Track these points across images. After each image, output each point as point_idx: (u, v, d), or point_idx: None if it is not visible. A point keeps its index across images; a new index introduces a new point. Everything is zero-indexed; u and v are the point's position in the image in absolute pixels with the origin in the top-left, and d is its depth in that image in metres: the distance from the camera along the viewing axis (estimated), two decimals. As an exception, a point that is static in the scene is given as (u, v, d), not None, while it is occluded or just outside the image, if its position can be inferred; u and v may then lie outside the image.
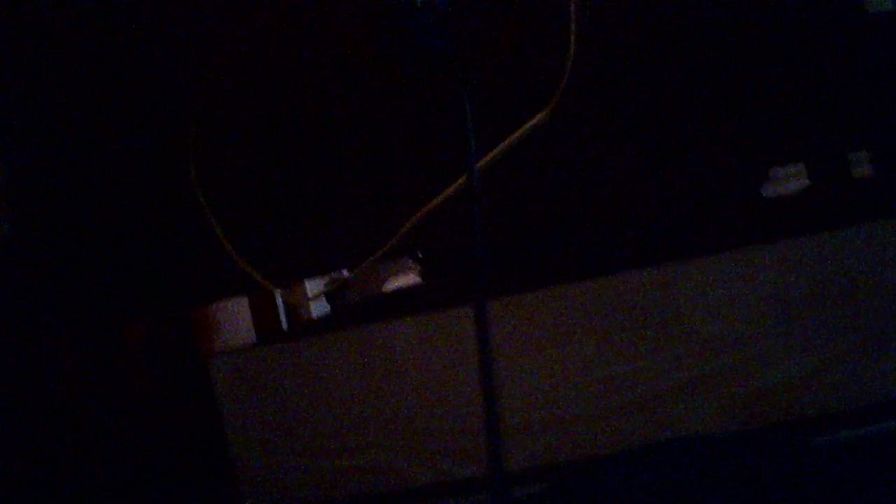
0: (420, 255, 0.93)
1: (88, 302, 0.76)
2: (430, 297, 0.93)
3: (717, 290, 0.66)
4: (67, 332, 0.82)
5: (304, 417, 0.72)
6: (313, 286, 1.09)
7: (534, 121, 0.54)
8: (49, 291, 0.78)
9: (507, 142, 0.54)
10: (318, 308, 1.37)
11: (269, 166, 0.67)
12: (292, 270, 0.70)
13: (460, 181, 0.52)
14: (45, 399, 0.87)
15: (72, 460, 0.88)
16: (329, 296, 1.41)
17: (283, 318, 1.18)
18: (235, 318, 1.15)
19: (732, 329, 0.65)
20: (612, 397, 0.67)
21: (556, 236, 0.66)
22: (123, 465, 0.89)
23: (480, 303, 0.40)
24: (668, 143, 0.70)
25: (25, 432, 0.86)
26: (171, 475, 0.89)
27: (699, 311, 0.66)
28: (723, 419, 0.65)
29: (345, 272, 0.92)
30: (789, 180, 0.86)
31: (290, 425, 0.72)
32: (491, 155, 0.52)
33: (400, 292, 1.17)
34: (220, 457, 0.75)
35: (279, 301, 1.24)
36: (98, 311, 0.77)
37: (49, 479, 0.86)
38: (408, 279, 1.38)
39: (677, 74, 0.65)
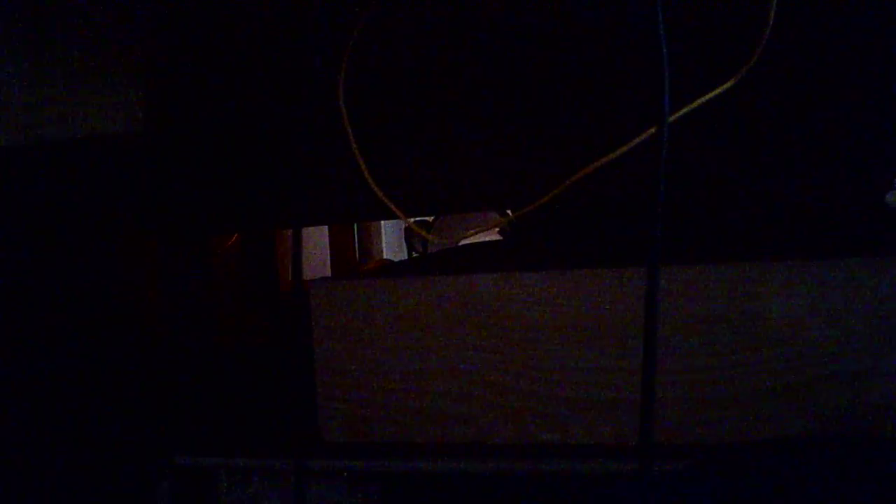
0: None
1: (202, 205, 0.75)
2: (517, 257, 0.91)
3: (832, 294, 0.64)
4: (168, 231, 0.81)
5: (392, 355, 0.71)
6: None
7: (721, 88, 0.52)
8: (170, 187, 0.76)
9: (694, 104, 0.51)
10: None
11: (423, 96, 0.65)
12: (427, 205, 0.68)
13: (640, 138, 0.49)
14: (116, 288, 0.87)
15: (142, 364, 0.88)
16: (408, 242, 1.41)
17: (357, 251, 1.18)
18: (313, 250, 1.15)
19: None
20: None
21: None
22: (197, 375, 0.89)
23: (653, 266, 0.38)
24: (810, 138, 0.67)
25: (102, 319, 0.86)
26: (248, 393, 0.89)
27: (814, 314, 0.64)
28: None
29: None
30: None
31: (378, 360, 0.71)
32: (681, 112, 0.50)
33: (478, 248, 1.16)
34: (300, 381, 0.74)
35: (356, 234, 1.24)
36: (202, 217, 0.76)
37: (122, 377, 0.86)
38: (487, 236, 1.36)
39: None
